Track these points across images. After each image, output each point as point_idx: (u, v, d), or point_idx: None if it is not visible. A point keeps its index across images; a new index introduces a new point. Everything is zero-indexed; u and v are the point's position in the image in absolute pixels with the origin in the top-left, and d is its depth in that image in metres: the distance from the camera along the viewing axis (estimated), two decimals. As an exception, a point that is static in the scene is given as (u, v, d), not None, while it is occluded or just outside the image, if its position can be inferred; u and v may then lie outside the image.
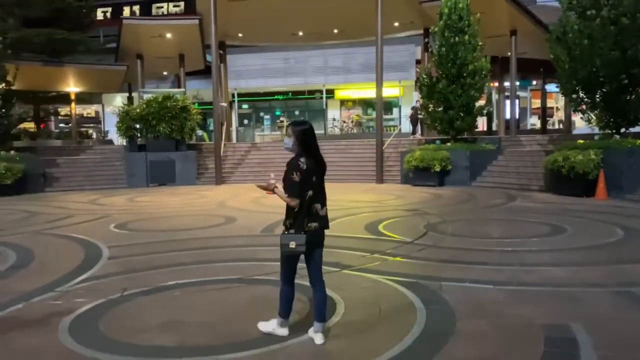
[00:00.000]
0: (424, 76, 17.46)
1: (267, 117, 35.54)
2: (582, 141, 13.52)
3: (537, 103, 32.91)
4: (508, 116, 24.19)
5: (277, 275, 5.73)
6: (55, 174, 18.15)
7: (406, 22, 21.93)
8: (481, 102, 17.63)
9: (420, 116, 21.66)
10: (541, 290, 5.16)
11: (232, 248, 7.56)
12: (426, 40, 22.03)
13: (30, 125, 28.59)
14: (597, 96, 12.78)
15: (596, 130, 13.91)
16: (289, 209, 3.73)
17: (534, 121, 33.29)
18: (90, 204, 13.81)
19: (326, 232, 3.87)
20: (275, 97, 34.21)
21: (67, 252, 7.60)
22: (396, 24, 21.69)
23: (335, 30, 24.10)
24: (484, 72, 16.84)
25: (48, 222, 10.60)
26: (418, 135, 22.08)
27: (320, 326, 3.91)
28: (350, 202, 12.89)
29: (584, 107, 13.41)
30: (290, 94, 33.76)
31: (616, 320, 4.28)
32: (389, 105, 33.13)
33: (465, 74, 16.63)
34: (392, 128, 28.38)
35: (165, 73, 28.47)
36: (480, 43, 16.86)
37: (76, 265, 6.65)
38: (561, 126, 31.15)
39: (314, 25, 23.04)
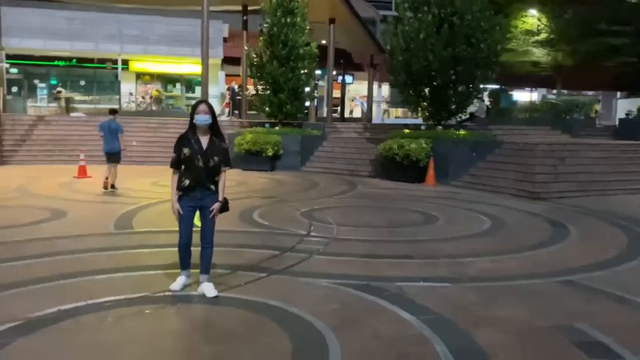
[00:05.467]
0: (254, 55, 16.66)
1: (43, 85, 30.25)
2: (407, 130, 14.49)
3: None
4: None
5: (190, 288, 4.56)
6: None
7: (224, -3, 20.65)
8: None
9: (239, 97, 20.81)
10: (498, 285, 4.99)
11: (98, 252, 5.82)
12: (245, 17, 21.16)
13: None
14: (427, 89, 13.76)
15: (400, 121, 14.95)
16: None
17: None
18: None
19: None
20: (56, 62, 29.24)
21: None
22: (213, -4, 20.22)
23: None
24: (312, 57, 16.82)
25: None
26: (234, 118, 21.19)
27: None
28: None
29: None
30: (74, 60, 29.25)
31: (612, 315, 4.30)
32: (190, 83, 31.38)
33: (293, 57, 16.36)
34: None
35: None
36: (308, 27, 16.76)
37: None
38: (352, 115, 33.84)
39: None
